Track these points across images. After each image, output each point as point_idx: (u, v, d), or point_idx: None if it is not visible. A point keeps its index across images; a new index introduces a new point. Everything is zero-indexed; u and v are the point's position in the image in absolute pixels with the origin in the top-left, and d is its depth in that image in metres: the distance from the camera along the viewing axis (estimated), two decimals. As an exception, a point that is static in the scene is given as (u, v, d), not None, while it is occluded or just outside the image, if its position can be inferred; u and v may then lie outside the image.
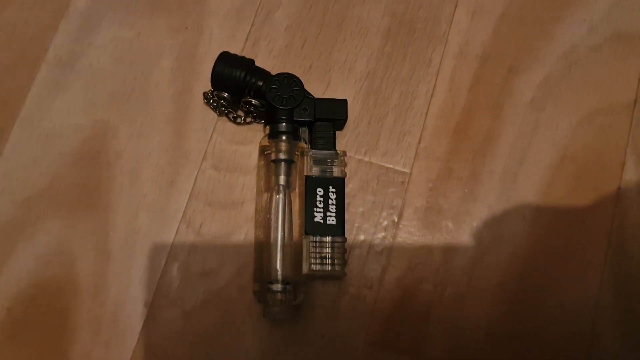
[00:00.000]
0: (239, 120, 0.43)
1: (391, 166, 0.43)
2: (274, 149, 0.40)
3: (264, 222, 0.39)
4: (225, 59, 0.41)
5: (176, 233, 0.42)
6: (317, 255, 0.38)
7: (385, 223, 0.42)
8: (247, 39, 0.46)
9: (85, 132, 0.44)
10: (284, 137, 0.40)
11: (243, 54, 0.45)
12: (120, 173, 0.43)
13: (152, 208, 0.42)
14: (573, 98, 0.45)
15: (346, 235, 0.40)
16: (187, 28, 0.46)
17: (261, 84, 0.41)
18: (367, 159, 0.43)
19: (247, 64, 0.41)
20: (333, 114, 0.41)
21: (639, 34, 0.46)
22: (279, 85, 0.40)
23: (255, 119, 0.43)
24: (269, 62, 0.45)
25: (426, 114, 0.44)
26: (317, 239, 0.39)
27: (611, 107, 0.45)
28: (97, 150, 0.43)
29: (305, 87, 0.41)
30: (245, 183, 0.42)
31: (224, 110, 0.43)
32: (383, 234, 0.42)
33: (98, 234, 0.42)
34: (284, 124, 0.40)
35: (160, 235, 0.42)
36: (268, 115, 0.41)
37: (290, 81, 0.41)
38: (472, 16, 0.46)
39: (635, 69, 0.45)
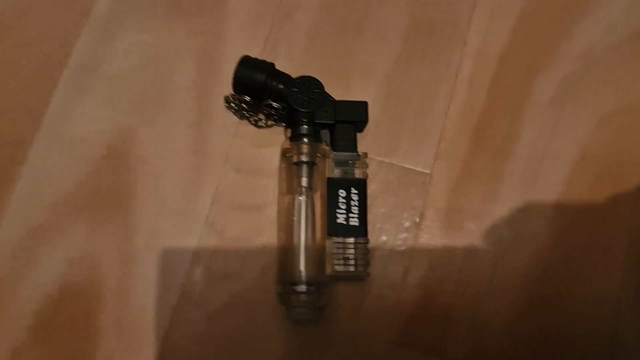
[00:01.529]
0: (260, 123, 0.44)
1: (412, 167, 0.43)
2: (295, 152, 0.40)
3: (287, 224, 0.39)
4: (246, 62, 0.41)
5: (199, 236, 0.42)
6: (341, 257, 0.39)
7: (407, 224, 0.42)
8: (266, 42, 0.46)
9: (108, 137, 0.44)
10: (305, 140, 0.40)
11: (263, 57, 0.45)
12: (143, 177, 0.43)
13: (175, 211, 0.43)
14: (593, 97, 0.45)
15: (368, 236, 0.40)
16: (206, 32, 0.47)
17: (282, 87, 0.41)
18: (388, 161, 0.43)
19: (267, 67, 0.42)
20: (354, 115, 0.41)
21: (658, 32, 0.46)
22: (300, 88, 0.41)
23: (276, 121, 0.44)
24: (289, 65, 0.45)
25: (446, 115, 0.44)
26: (340, 240, 0.39)
27: (631, 105, 0.45)
28: (120, 154, 0.44)
29: (325, 90, 0.42)
30: (267, 185, 0.43)
31: (245, 114, 0.43)
32: (405, 234, 0.42)
33: (122, 237, 0.42)
34: (306, 126, 0.40)
35: (184, 238, 0.42)
36: (289, 118, 0.41)
37: (311, 84, 0.41)
38: (490, 17, 0.47)
39: (654, 68, 0.45)
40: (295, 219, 0.39)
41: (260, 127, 0.44)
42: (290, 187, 0.40)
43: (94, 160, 0.44)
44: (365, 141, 0.44)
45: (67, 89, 0.46)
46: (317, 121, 0.41)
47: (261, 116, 0.44)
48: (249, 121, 0.44)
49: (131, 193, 0.43)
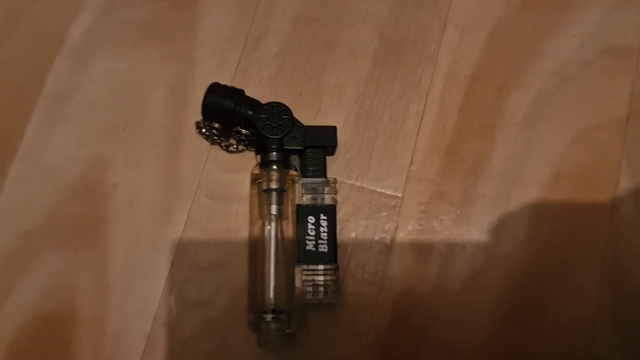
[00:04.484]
0: (231, 148, 0.44)
1: (383, 190, 0.43)
2: (265, 179, 0.40)
3: (257, 251, 0.39)
4: (214, 90, 0.42)
5: (172, 262, 0.42)
6: (310, 284, 0.39)
7: (378, 247, 0.42)
8: (237, 67, 0.46)
9: (82, 165, 0.45)
10: (274, 167, 0.40)
11: (234, 83, 0.45)
12: (117, 204, 0.44)
13: (149, 238, 0.43)
14: (565, 115, 0.44)
15: (339, 261, 0.40)
16: (178, 58, 0.47)
17: (251, 113, 0.41)
18: (358, 184, 0.43)
19: (236, 94, 0.42)
20: (323, 141, 0.42)
21: (630, 48, 0.46)
22: (268, 115, 0.41)
23: (248, 146, 0.44)
24: (260, 89, 0.46)
25: (417, 136, 0.44)
26: (310, 268, 0.39)
27: (604, 123, 0.44)
28: (94, 182, 0.44)
29: (296, 113, 0.42)
30: (239, 211, 0.43)
31: (216, 140, 0.44)
32: (376, 258, 0.42)
33: (97, 265, 0.42)
34: (275, 153, 0.40)
35: (157, 264, 0.42)
36: (259, 144, 0.41)
37: (279, 110, 0.41)
38: (461, 35, 0.46)
39: (627, 84, 0.45)
40: (265, 246, 0.39)
41: (232, 152, 0.44)
42: (260, 214, 0.40)
43: (68, 189, 0.44)
44: (335, 164, 0.44)
45: (42, 118, 0.46)
46: (286, 147, 0.41)
47: (232, 141, 0.44)
48: (221, 146, 0.44)
49: (106, 221, 0.43)
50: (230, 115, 0.41)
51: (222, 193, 0.43)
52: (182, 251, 0.42)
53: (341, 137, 0.44)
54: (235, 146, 0.44)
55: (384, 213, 0.43)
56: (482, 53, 0.46)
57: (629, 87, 0.45)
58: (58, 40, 0.48)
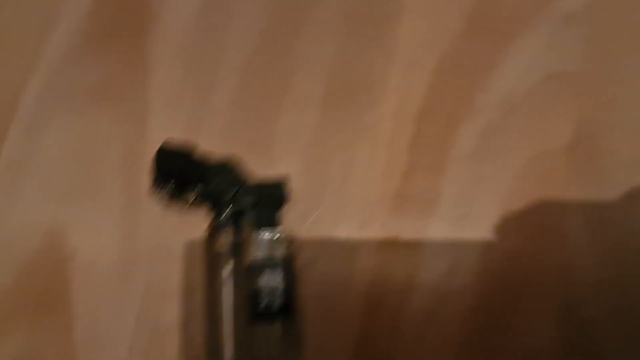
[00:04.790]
0: (186, 207, 0.44)
1: (337, 239, 0.44)
2: (217, 239, 0.41)
3: (214, 313, 0.40)
4: (162, 154, 0.42)
5: (134, 325, 0.43)
6: (267, 343, 0.39)
7: (336, 296, 0.42)
8: (189, 121, 0.47)
9: (43, 231, 0.45)
10: (226, 226, 0.41)
11: (187, 136, 0.46)
12: (78, 270, 0.44)
13: (110, 303, 0.43)
14: (512, 146, 0.45)
15: (297, 317, 0.41)
16: (132, 116, 0.47)
17: (199, 174, 0.42)
18: (313, 234, 0.44)
19: (185, 155, 0.42)
20: (274, 194, 0.42)
21: (573, 72, 0.46)
22: (217, 173, 0.42)
23: (203, 204, 0.44)
24: (213, 142, 0.46)
25: (367, 180, 0.45)
26: (266, 327, 0.39)
27: (552, 150, 0.45)
28: (55, 248, 0.45)
29: (248, 164, 0.42)
30: (197, 271, 0.43)
31: (172, 198, 0.44)
32: (335, 307, 0.42)
33: (61, 334, 0.43)
34: (226, 211, 0.41)
35: (119, 329, 0.43)
36: (210, 204, 0.42)
37: (228, 167, 0.42)
38: (406, 73, 0.47)
39: (571, 108, 0.46)
40: (220, 308, 0.39)
41: (187, 210, 0.45)
42: (215, 275, 0.41)
43: (30, 257, 0.44)
44: (289, 216, 0.44)
45: (0, 187, 0.46)
46: (237, 205, 0.41)
47: (188, 200, 0.44)
48: (177, 205, 0.45)
49: (67, 288, 0.44)
50: (180, 178, 0.42)
51: (180, 252, 0.44)
52: (144, 313, 0.43)
53: (294, 187, 0.44)
54: (190, 204, 0.44)
55: (340, 261, 0.43)
56: (429, 89, 0.47)
57: (576, 112, 0.46)
58: (13, 107, 0.48)
